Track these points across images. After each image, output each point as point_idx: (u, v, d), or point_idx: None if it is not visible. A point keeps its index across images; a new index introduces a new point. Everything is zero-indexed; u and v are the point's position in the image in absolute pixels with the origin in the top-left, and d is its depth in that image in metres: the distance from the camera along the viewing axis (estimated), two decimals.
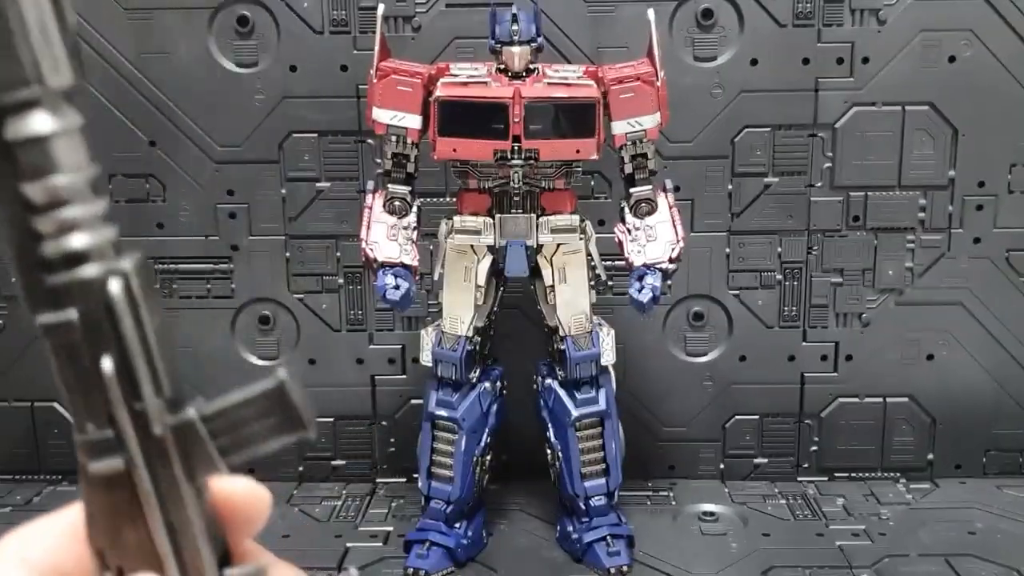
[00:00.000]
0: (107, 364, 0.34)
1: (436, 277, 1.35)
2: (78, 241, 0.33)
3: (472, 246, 1.32)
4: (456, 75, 1.27)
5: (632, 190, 1.29)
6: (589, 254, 1.34)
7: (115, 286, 0.34)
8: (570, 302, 1.33)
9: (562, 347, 1.34)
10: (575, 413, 1.36)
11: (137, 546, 0.37)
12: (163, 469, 0.36)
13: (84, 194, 0.34)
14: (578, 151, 1.26)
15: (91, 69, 1.53)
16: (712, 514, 1.53)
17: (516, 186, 1.27)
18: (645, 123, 1.27)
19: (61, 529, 0.39)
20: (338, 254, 1.59)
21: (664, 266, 1.29)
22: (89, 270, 0.34)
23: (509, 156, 1.25)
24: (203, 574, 0.37)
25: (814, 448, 1.65)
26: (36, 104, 0.32)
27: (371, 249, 1.29)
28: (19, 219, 0.33)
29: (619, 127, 1.27)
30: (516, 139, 1.24)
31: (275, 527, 1.49)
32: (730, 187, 1.56)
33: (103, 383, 0.34)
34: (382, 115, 1.27)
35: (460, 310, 1.34)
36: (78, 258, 0.34)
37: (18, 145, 0.32)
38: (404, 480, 1.63)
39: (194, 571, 0.37)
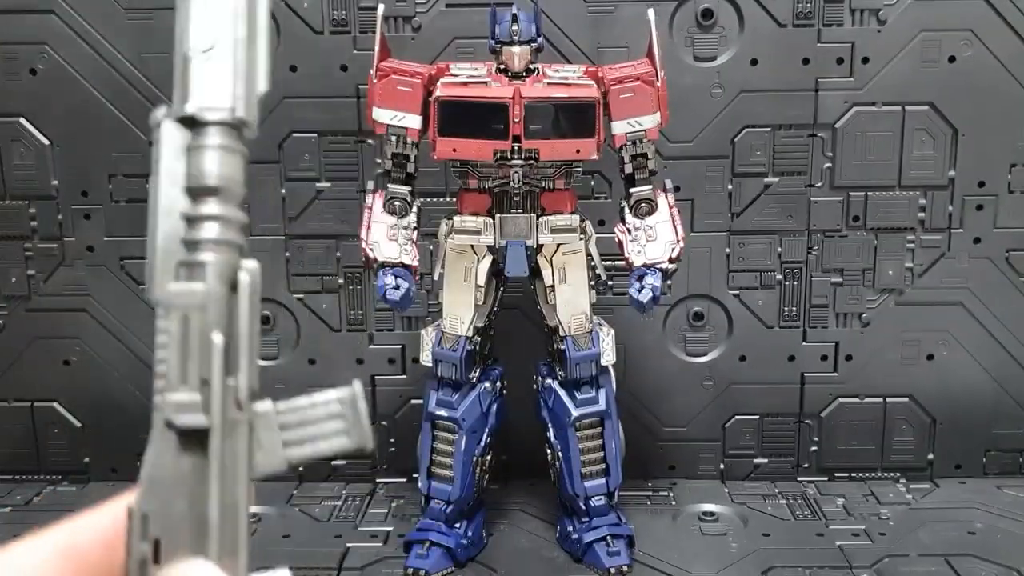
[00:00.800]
0: (217, 337, 0.39)
1: (436, 277, 1.35)
2: (218, 232, 0.41)
3: (472, 246, 1.32)
4: (456, 75, 1.26)
5: (632, 190, 1.29)
6: (589, 254, 1.33)
7: (244, 277, 0.40)
8: (570, 302, 1.33)
9: (562, 347, 1.34)
10: (575, 413, 1.36)
11: (181, 519, 0.39)
12: (233, 444, 0.40)
13: (232, 198, 0.42)
14: (578, 151, 1.25)
15: (91, 69, 1.54)
16: (712, 514, 1.53)
17: (516, 186, 1.27)
18: (645, 123, 1.27)
19: (104, 524, 0.41)
20: (338, 254, 1.59)
21: (664, 266, 1.29)
22: (222, 257, 0.40)
23: (509, 156, 1.25)
24: (239, 555, 0.39)
25: (814, 448, 1.65)
26: (223, 124, 0.42)
27: (371, 249, 1.29)
28: (175, 202, 0.42)
29: (619, 127, 1.27)
30: (516, 139, 1.23)
31: (275, 527, 1.48)
32: (730, 187, 1.56)
33: (209, 352, 0.39)
34: (382, 115, 1.27)
35: (460, 310, 1.34)
36: (215, 244, 0.41)
37: (194, 149, 0.41)
38: (404, 480, 1.63)
39: (230, 553, 0.40)
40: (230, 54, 0.42)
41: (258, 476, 0.40)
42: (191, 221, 0.41)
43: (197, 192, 0.41)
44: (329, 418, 0.41)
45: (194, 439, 0.39)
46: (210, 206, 0.41)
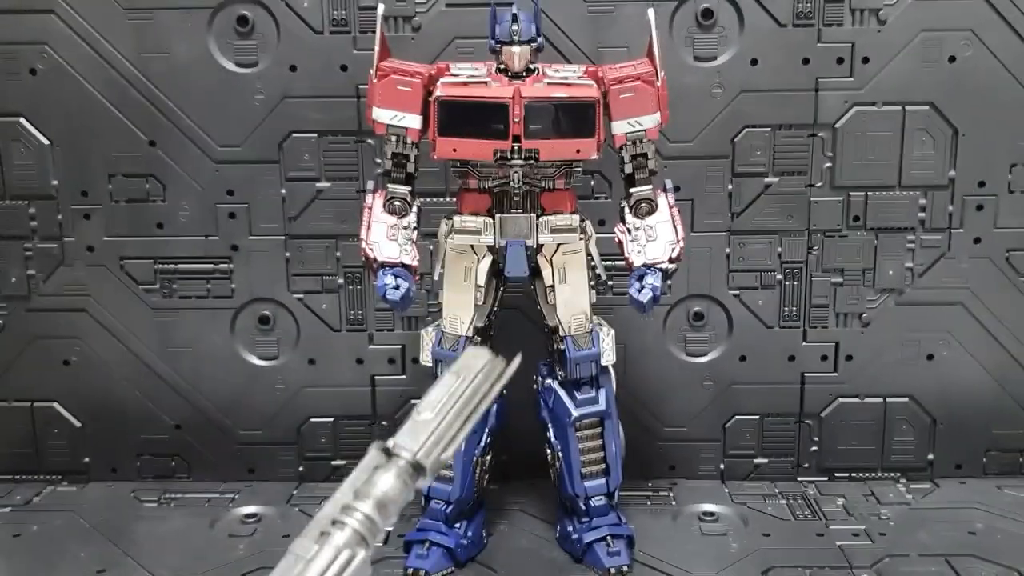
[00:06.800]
0: None
1: (436, 277, 1.35)
2: (358, 525, 0.60)
3: (472, 246, 1.32)
4: (456, 75, 1.26)
5: (632, 190, 1.29)
6: (589, 254, 1.33)
7: (356, 557, 0.60)
8: (570, 302, 1.33)
9: (562, 347, 1.34)
10: (575, 413, 1.35)
11: None
12: None
13: (383, 512, 0.60)
14: (578, 151, 1.26)
15: (91, 69, 1.53)
16: (712, 514, 1.53)
17: (516, 186, 1.27)
18: (645, 123, 1.27)
19: None
20: (338, 254, 1.59)
21: (664, 266, 1.28)
22: (350, 540, 0.60)
23: (509, 156, 1.25)
24: None
25: (814, 448, 1.65)
26: (407, 462, 0.61)
27: (371, 249, 1.29)
28: (344, 496, 0.61)
29: (619, 127, 1.27)
30: (516, 139, 1.23)
31: (275, 527, 1.49)
32: (730, 187, 1.56)
33: None
34: (382, 115, 1.27)
35: (460, 310, 1.34)
36: (351, 532, 0.60)
37: (380, 468, 0.61)
38: None
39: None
40: (435, 424, 0.58)
41: None
42: (346, 509, 0.58)
43: (363, 495, 0.57)
44: None
45: None
46: (366, 507, 0.57)
